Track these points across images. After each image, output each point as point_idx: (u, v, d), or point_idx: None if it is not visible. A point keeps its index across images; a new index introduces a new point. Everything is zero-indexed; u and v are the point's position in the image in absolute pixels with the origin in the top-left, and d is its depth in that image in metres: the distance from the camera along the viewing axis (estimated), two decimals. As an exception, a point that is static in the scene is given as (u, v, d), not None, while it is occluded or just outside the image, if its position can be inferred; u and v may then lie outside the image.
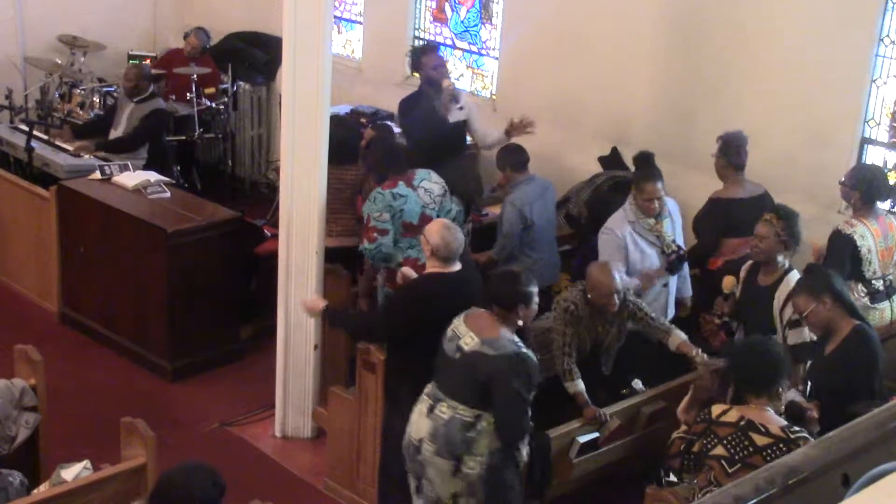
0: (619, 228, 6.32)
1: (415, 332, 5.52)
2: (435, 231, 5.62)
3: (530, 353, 5.09)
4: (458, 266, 5.65)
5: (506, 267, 5.39)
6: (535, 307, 5.19)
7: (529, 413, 5.10)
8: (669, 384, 6.03)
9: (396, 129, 8.50)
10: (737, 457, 4.50)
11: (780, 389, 4.72)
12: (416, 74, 8.21)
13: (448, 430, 5.04)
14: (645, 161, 6.66)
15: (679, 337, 5.88)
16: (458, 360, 5.08)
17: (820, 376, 5.25)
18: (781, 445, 4.44)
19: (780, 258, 5.80)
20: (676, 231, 6.44)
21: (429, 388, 5.23)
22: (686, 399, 5.20)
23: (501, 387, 4.97)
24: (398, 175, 6.51)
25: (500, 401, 4.99)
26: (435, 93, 7.61)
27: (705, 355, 5.72)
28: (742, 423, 4.55)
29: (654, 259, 6.31)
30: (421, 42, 7.74)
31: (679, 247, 6.34)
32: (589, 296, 5.78)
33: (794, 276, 5.75)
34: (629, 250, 6.29)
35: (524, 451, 5.22)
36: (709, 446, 4.60)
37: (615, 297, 5.74)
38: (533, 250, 6.88)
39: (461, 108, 7.62)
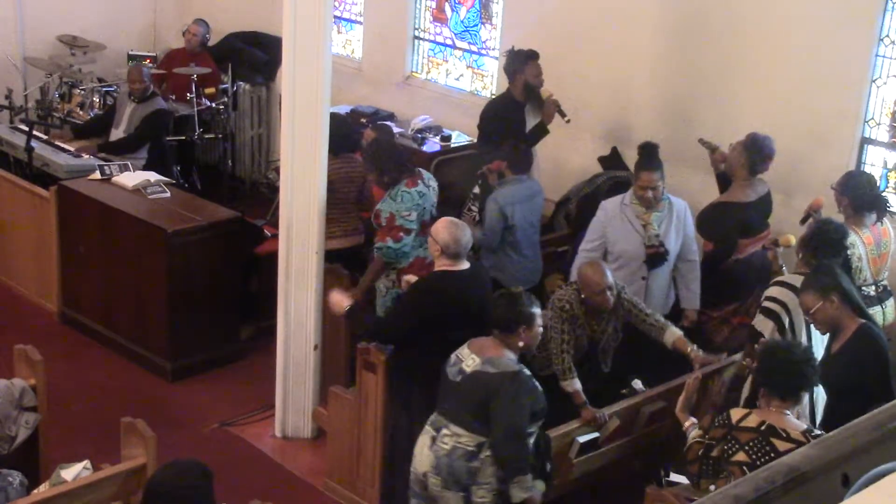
0: (611, 206, 6.45)
1: (425, 330, 5.51)
2: (443, 228, 5.60)
3: (534, 380, 4.97)
4: (466, 264, 5.65)
5: (507, 289, 5.24)
6: (538, 329, 5.04)
7: (529, 446, 4.92)
8: (669, 384, 6.02)
9: (397, 130, 8.52)
10: (758, 462, 4.47)
11: (803, 395, 4.71)
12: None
13: (450, 461, 4.93)
14: (647, 151, 6.67)
15: (674, 333, 5.89)
16: (460, 383, 4.97)
17: (830, 375, 5.24)
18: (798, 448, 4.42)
19: (799, 256, 5.78)
20: (671, 230, 6.40)
21: (431, 417, 5.11)
22: (682, 397, 5.21)
23: (499, 405, 4.84)
24: (412, 175, 6.53)
25: (497, 420, 4.85)
26: (531, 100, 7.61)
27: (701, 351, 5.74)
28: (763, 427, 4.52)
29: (631, 246, 6.32)
30: (518, 48, 7.63)
31: (661, 244, 6.33)
32: (583, 295, 5.78)
33: (788, 276, 5.76)
34: (611, 228, 6.37)
35: (520, 493, 4.89)
36: (730, 452, 4.56)
37: (608, 293, 5.73)
38: (515, 251, 6.87)
39: (568, 121, 7.54)
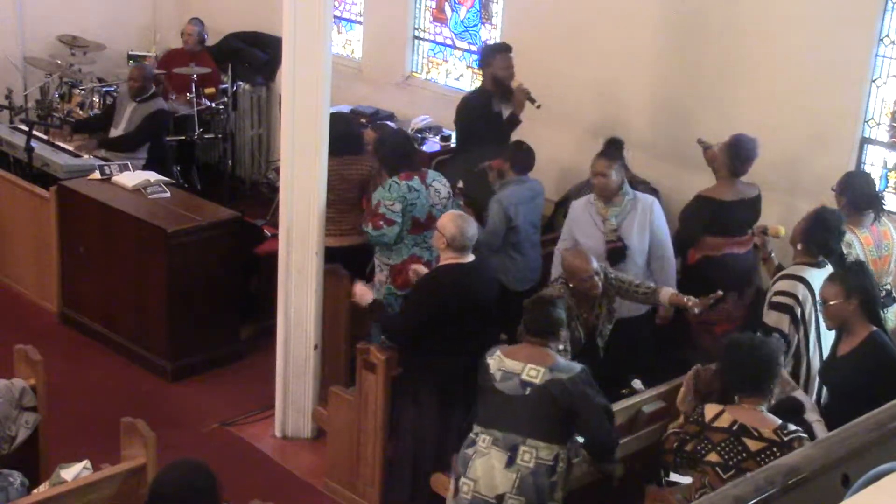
0: (578, 204, 6.54)
1: (433, 326, 5.51)
2: (449, 221, 5.65)
3: None
4: (471, 257, 5.70)
5: (538, 295, 5.27)
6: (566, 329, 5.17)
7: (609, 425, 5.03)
8: (669, 384, 6.02)
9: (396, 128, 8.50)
10: (730, 462, 4.48)
11: (773, 387, 4.70)
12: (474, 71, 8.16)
13: (536, 479, 4.83)
14: (608, 143, 6.81)
15: (668, 291, 5.91)
16: (531, 396, 4.81)
17: (834, 378, 5.23)
18: (775, 449, 4.42)
19: (798, 247, 5.79)
20: (633, 225, 6.36)
21: (489, 437, 4.87)
22: (682, 390, 5.21)
23: (588, 405, 4.85)
24: (413, 171, 6.56)
25: (590, 420, 4.86)
26: (500, 92, 7.63)
27: (696, 299, 5.74)
28: (735, 427, 4.52)
29: (592, 241, 6.31)
30: (491, 41, 7.64)
31: (619, 238, 6.33)
32: (571, 284, 5.77)
33: (793, 268, 5.75)
34: (576, 226, 6.44)
35: (618, 466, 5.13)
36: (703, 451, 4.58)
37: (595, 278, 5.72)
38: (517, 252, 6.87)
39: (538, 107, 7.54)
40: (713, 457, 4.53)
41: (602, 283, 5.78)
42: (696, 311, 5.74)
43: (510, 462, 4.82)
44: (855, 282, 5.14)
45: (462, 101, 7.95)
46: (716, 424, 4.57)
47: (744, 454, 4.46)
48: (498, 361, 4.93)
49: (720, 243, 6.64)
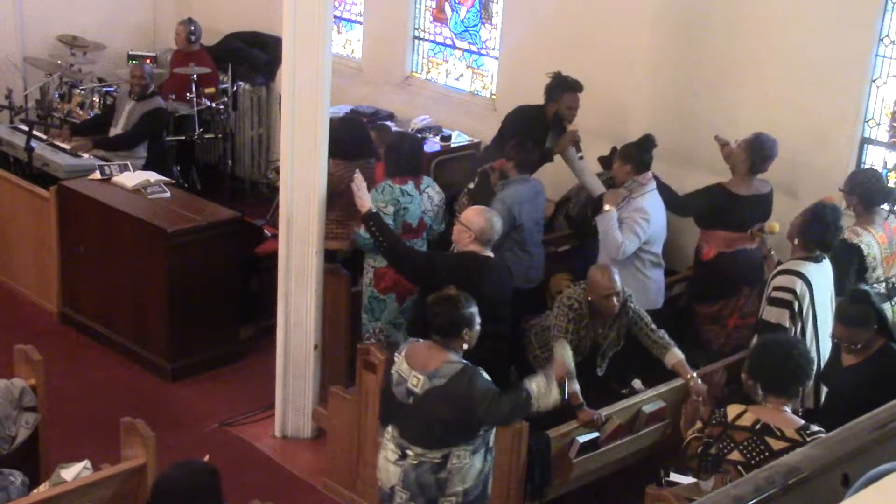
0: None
1: None
2: (476, 215, 5.70)
3: (478, 368, 4.87)
4: (490, 253, 5.75)
5: (444, 292, 4.97)
6: (478, 327, 4.88)
7: (508, 396, 4.82)
8: (669, 384, 6.03)
9: (397, 130, 8.50)
10: (753, 461, 4.47)
11: (802, 389, 4.69)
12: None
13: (418, 474, 4.85)
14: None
15: (676, 356, 5.83)
16: (413, 406, 4.80)
17: (841, 384, 5.20)
18: (797, 449, 4.40)
19: (795, 242, 5.80)
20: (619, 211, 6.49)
21: (391, 432, 4.95)
22: (683, 420, 5.17)
23: (473, 400, 4.72)
24: (411, 176, 6.55)
25: (489, 412, 4.73)
26: (554, 125, 7.56)
27: (699, 380, 5.65)
28: (758, 426, 4.50)
29: None
30: (564, 74, 7.47)
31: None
32: (590, 298, 5.78)
33: (791, 263, 5.75)
34: None
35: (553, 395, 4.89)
36: (725, 451, 4.56)
37: (614, 298, 5.73)
38: (523, 250, 6.85)
39: (581, 157, 7.46)
40: (735, 455, 4.52)
41: (619, 305, 5.77)
42: (694, 395, 5.47)
43: (401, 458, 4.90)
44: (869, 317, 5.09)
45: (519, 112, 7.72)
46: (738, 423, 4.56)
47: (766, 453, 4.44)
48: (399, 362, 4.87)
49: (733, 239, 6.65)
